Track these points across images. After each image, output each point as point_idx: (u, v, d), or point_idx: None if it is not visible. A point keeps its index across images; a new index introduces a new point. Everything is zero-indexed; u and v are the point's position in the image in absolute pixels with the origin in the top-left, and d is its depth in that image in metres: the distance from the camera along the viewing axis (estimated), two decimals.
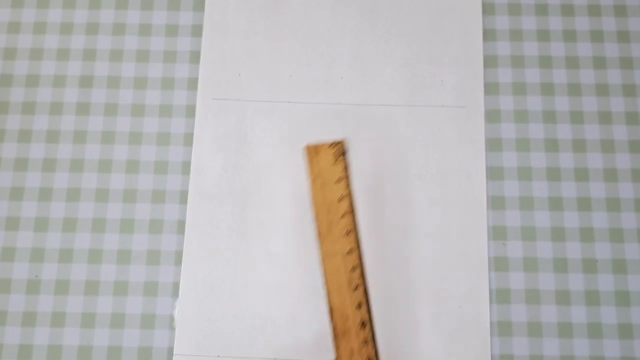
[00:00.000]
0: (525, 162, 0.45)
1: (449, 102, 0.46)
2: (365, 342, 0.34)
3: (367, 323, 0.35)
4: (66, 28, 0.48)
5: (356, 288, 0.35)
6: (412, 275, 0.43)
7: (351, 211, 0.35)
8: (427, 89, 0.46)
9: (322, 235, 0.35)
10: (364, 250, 0.42)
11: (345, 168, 0.36)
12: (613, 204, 0.44)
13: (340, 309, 0.34)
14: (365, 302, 0.35)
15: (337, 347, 0.35)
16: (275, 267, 0.43)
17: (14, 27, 0.48)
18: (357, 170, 0.44)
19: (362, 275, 0.35)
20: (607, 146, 0.45)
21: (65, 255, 0.43)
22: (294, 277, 0.42)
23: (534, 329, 0.42)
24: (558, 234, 0.43)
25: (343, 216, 0.36)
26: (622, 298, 0.42)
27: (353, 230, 0.35)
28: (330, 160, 0.36)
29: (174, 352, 0.41)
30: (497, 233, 0.43)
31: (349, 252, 0.35)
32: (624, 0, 0.48)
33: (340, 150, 0.36)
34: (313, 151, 0.37)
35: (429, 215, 0.43)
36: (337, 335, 0.34)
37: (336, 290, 0.35)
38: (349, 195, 0.36)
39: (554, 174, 0.45)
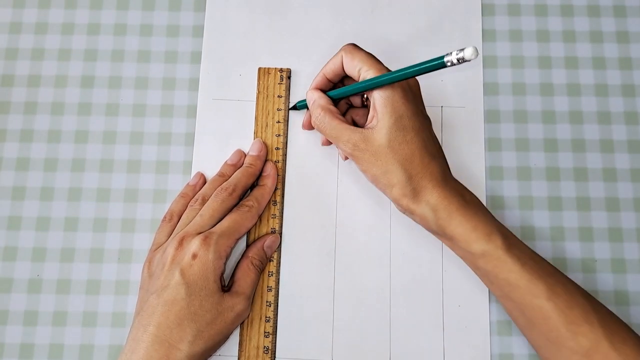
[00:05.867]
0: (524, 162, 0.45)
1: (449, 102, 0.46)
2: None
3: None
4: (67, 28, 0.48)
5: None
6: (412, 275, 0.43)
7: (284, 121, 0.45)
8: (427, 89, 0.46)
9: (257, 135, 0.45)
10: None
11: (287, 89, 0.45)
12: (612, 204, 0.44)
13: None
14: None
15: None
16: None
17: (15, 28, 0.48)
18: (358, 170, 0.44)
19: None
20: (606, 146, 0.45)
21: (67, 255, 0.43)
22: None
23: None
24: (557, 234, 0.44)
25: (278, 122, 0.45)
26: (621, 297, 0.42)
27: (282, 135, 0.45)
28: (278, 80, 0.45)
29: None
30: None
31: (276, 148, 0.45)
32: (623, 1, 0.48)
33: (286, 74, 0.45)
34: (264, 71, 0.46)
35: None
36: None
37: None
38: (285, 110, 0.45)
39: (553, 174, 0.45)
